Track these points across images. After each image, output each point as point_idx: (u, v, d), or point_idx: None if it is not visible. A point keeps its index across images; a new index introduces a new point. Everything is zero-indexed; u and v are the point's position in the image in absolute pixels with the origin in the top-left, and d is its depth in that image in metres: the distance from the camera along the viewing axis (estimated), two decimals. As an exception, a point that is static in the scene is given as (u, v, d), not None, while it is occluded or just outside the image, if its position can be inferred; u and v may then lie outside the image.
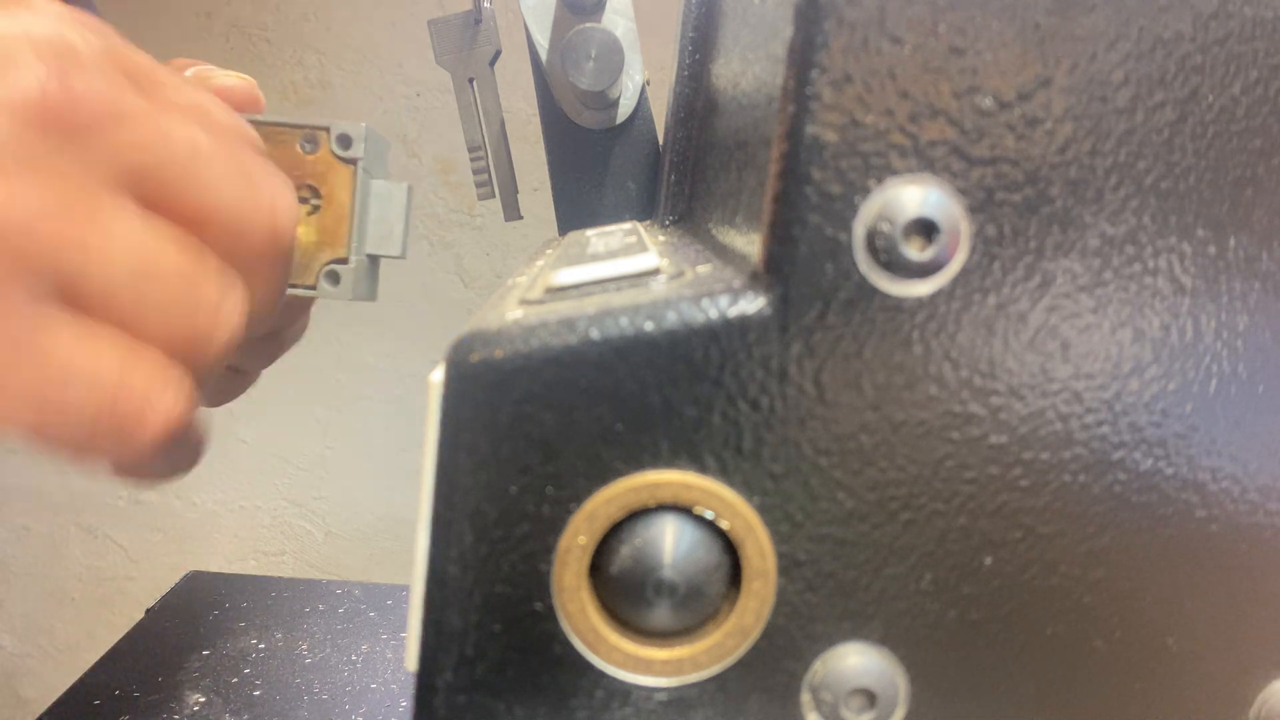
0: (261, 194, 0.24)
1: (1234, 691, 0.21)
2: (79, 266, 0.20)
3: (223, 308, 0.23)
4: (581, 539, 0.18)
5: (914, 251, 0.17)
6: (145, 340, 0.21)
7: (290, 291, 0.29)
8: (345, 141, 0.29)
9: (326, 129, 0.29)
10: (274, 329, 0.33)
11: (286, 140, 0.29)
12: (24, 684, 1.25)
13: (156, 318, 0.21)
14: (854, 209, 0.17)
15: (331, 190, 0.29)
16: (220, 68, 0.30)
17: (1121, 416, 0.19)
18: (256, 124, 0.29)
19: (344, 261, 0.29)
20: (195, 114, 0.23)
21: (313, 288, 0.29)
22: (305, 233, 0.29)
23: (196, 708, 0.53)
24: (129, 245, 0.21)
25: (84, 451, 0.21)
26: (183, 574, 0.71)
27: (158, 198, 0.22)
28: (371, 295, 0.31)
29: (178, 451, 0.23)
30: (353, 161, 0.29)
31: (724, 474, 0.18)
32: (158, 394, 0.21)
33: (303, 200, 0.29)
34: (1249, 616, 0.20)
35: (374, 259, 0.30)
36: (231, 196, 0.23)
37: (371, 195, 0.30)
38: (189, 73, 0.29)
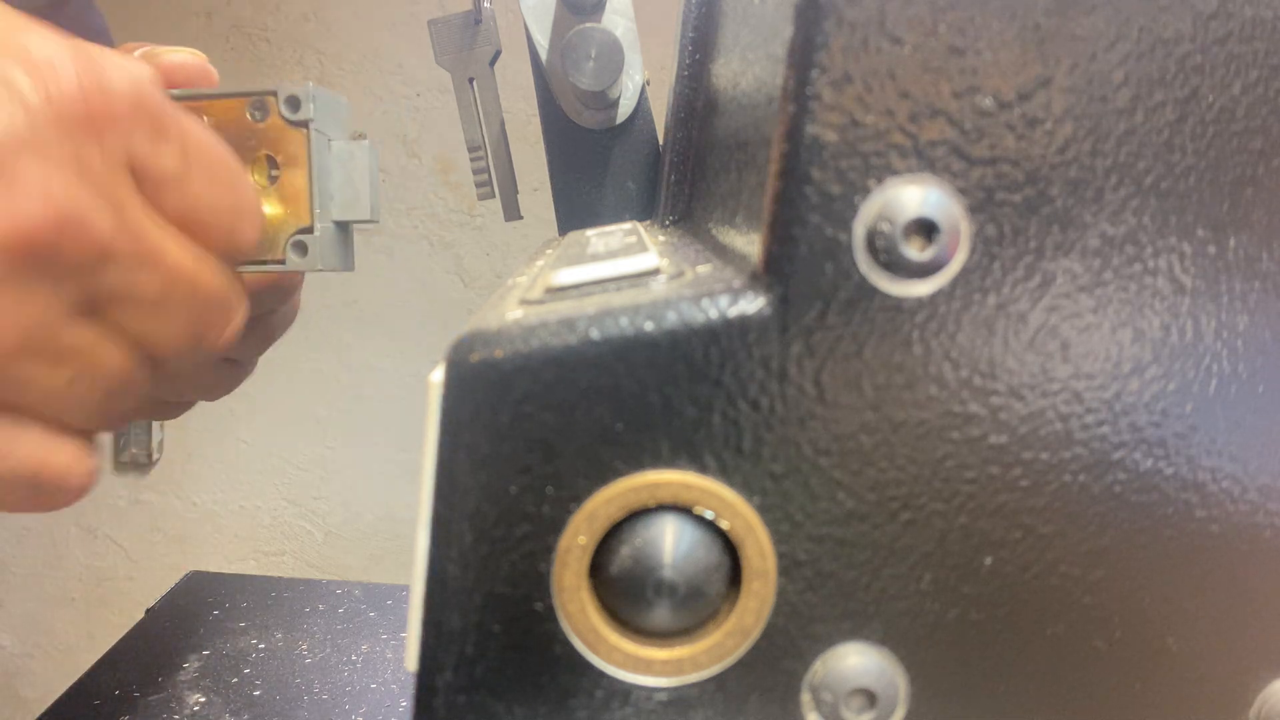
0: (241, 196, 0.25)
1: (1234, 691, 0.21)
2: (106, 278, 0.22)
3: (224, 335, 0.26)
4: (581, 539, 0.18)
5: (914, 251, 0.17)
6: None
7: (259, 268, 0.28)
8: (294, 104, 0.27)
9: (274, 93, 0.27)
10: (261, 314, 0.33)
11: (237, 110, 0.28)
12: (24, 684, 1.25)
13: (166, 343, 0.24)
14: (854, 209, 0.17)
15: (289, 157, 0.28)
16: (168, 46, 0.30)
17: (1121, 416, 0.19)
18: (204, 97, 0.27)
19: (309, 230, 0.28)
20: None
21: (281, 262, 0.28)
22: (269, 204, 0.28)
23: (196, 708, 0.53)
24: (154, 269, 0.23)
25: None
26: (183, 574, 0.71)
27: (152, 201, 0.23)
28: (345, 264, 0.29)
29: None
30: (304, 124, 0.27)
31: (724, 474, 0.18)
32: (75, 472, 0.24)
33: (264, 173, 0.28)
34: (1249, 616, 0.20)
35: (343, 225, 0.29)
36: (215, 208, 0.24)
37: (332, 158, 0.28)
38: (137, 53, 0.29)
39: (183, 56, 0.29)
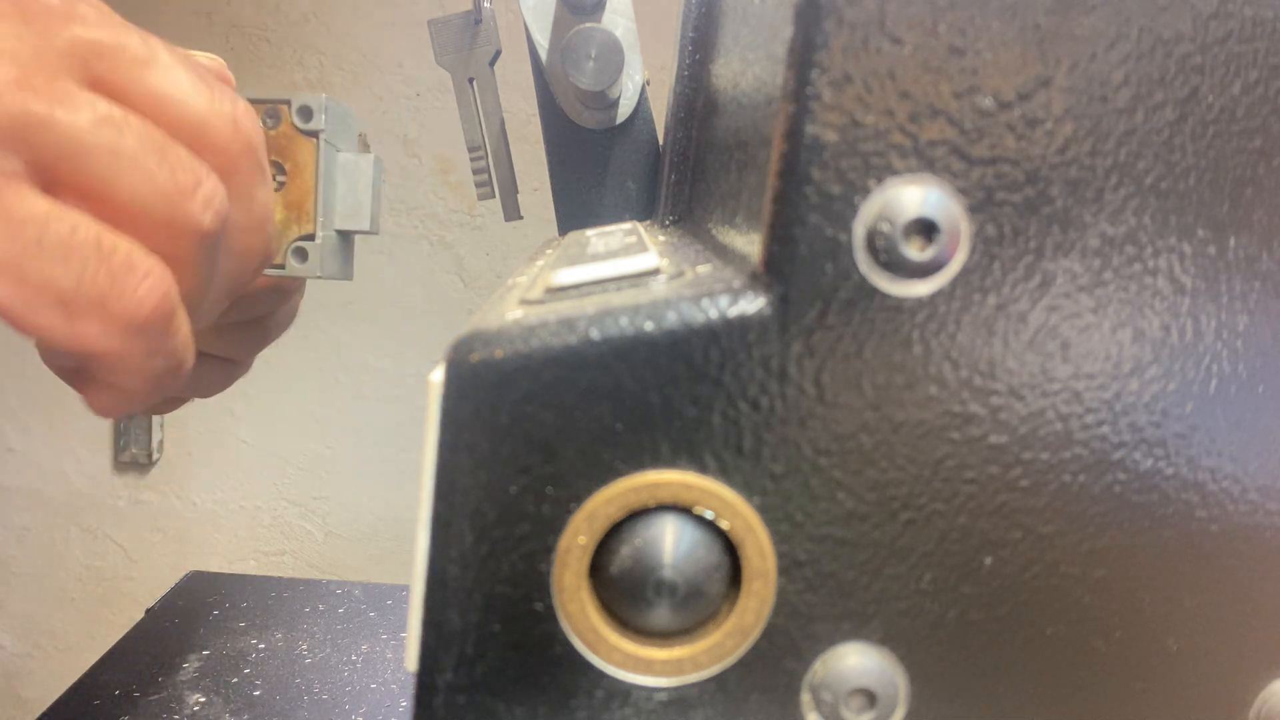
0: (221, 97, 0.23)
1: (1234, 691, 0.21)
2: (46, 140, 0.19)
3: (199, 194, 0.22)
4: (581, 539, 0.18)
5: (914, 251, 0.17)
6: (124, 224, 0.21)
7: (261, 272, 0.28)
8: (306, 114, 0.28)
9: (287, 102, 0.28)
10: (259, 315, 0.33)
11: None
12: (24, 684, 1.25)
13: (132, 196, 0.21)
14: (854, 209, 0.17)
15: (296, 165, 0.28)
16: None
17: (1121, 416, 0.19)
18: None
19: (311, 237, 0.28)
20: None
21: (281, 266, 0.29)
22: (276, 210, 0.28)
23: (196, 708, 0.53)
24: (95, 120, 0.20)
25: (67, 329, 0.20)
26: (183, 574, 0.71)
27: (115, 87, 0.21)
28: (344, 273, 0.30)
29: (165, 354, 0.22)
30: (315, 134, 0.28)
31: (724, 474, 0.18)
32: (140, 263, 0.21)
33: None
34: (1249, 616, 0.20)
35: (345, 235, 0.30)
36: (189, 92, 0.22)
37: (337, 168, 0.29)
38: None
39: (203, 60, 0.29)
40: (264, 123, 0.28)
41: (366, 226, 0.30)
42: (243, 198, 0.24)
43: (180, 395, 0.33)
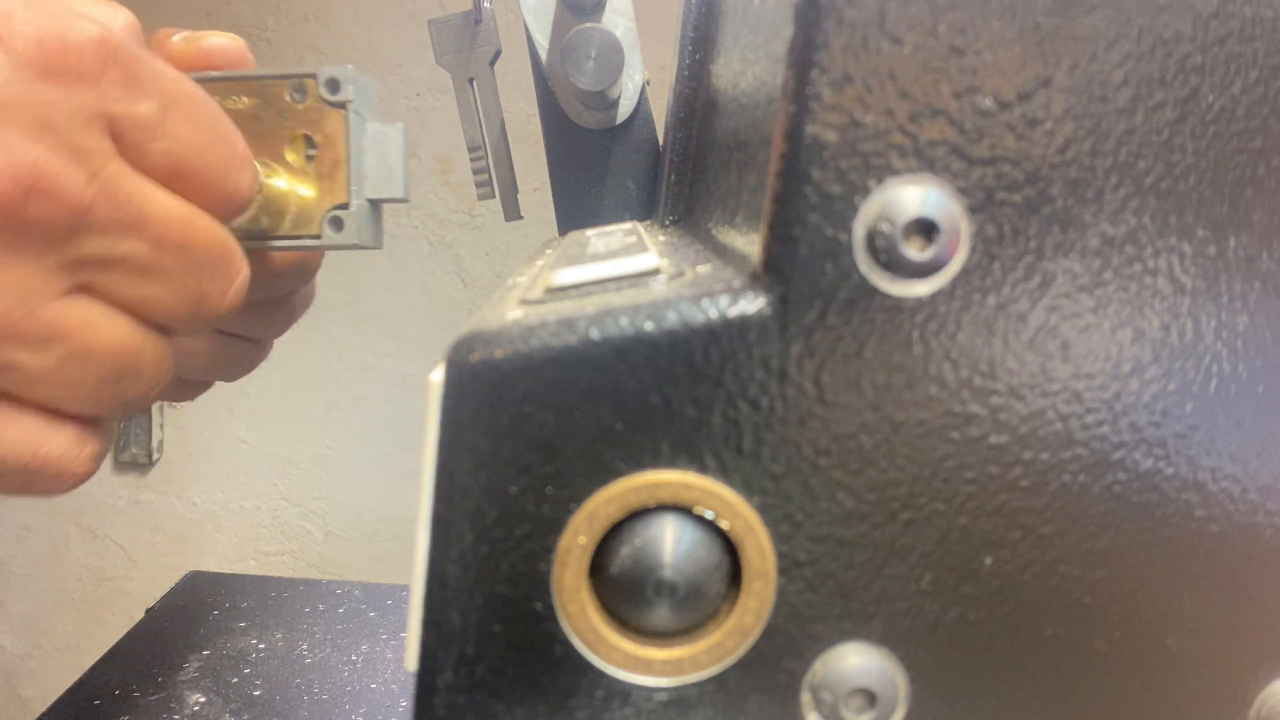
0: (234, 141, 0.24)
1: (1234, 691, 0.21)
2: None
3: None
4: (581, 539, 0.18)
5: (914, 251, 0.17)
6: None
7: (297, 244, 0.29)
8: (334, 86, 0.28)
9: (314, 75, 0.29)
10: (284, 294, 0.33)
11: (276, 92, 0.29)
12: (24, 684, 1.25)
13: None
14: (854, 209, 0.17)
15: (326, 137, 0.29)
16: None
17: (1121, 416, 0.19)
18: (244, 79, 0.29)
19: (345, 207, 0.29)
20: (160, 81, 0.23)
21: (317, 236, 0.29)
22: (305, 182, 0.29)
23: (196, 708, 0.53)
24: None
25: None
26: (183, 574, 0.71)
27: (135, 154, 0.22)
28: (377, 241, 0.31)
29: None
30: (343, 105, 0.29)
31: (724, 474, 0.18)
32: (72, 459, 0.23)
33: (301, 152, 0.29)
34: (1249, 616, 0.20)
35: (375, 204, 0.30)
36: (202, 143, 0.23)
37: (366, 137, 0.29)
38: (177, 37, 0.29)
39: (223, 40, 0.30)
40: (291, 98, 0.29)
41: (400, 194, 0.30)
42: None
43: (206, 379, 0.33)
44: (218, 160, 0.24)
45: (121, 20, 0.22)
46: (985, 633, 0.20)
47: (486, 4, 0.43)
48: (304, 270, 0.32)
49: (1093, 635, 0.20)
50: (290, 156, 0.29)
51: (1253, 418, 0.20)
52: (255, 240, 0.29)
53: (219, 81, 0.29)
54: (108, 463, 1.18)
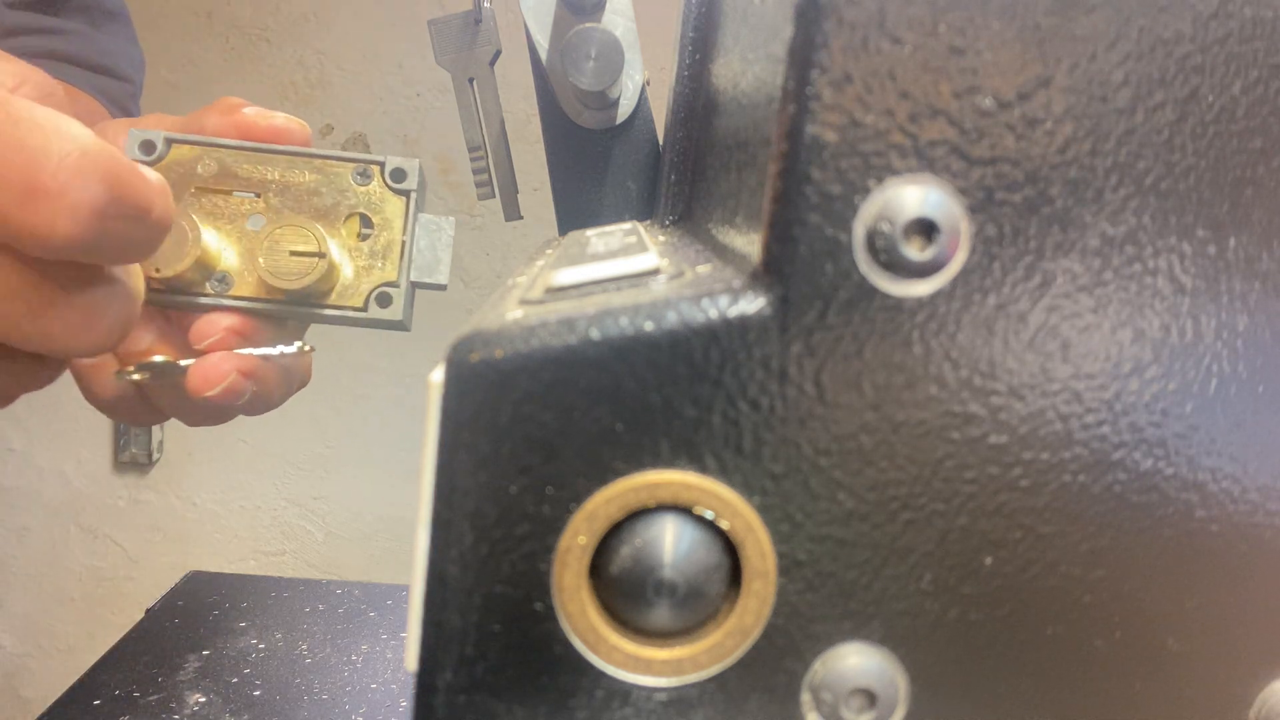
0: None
1: (1234, 691, 0.21)
2: None
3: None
4: (581, 539, 0.18)
5: (914, 251, 0.17)
6: None
7: (341, 314, 0.32)
8: (400, 175, 0.31)
9: (381, 163, 0.31)
10: (280, 398, 0.34)
11: (340, 172, 0.31)
12: (24, 684, 1.25)
13: None
14: (854, 209, 0.17)
15: (385, 219, 0.31)
16: (269, 109, 0.32)
17: (1121, 416, 0.19)
18: (313, 157, 0.31)
19: (395, 285, 0.32)
20: None
21: (363, 309, 0.32)
22: (356, 258, 0.31)
23: (196, 708, 0.53)
24: None
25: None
26: (183, 574, 0.71)
27: None
28: (408, 323, 0.33)
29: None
30: (406, 193, 0.31)
31: (724, 474, 0.18)
32: None
33: (354, 230, 0.32)
34: (1249, 616, 0.20)
35: (415, 288, 0.33)
36: None
37: (420, 225, 0.32)
38: (250, 109, 0.31)
39: (292, 123, 0.31)
40: (353, 180, 0.31)
41: (443, 281, 0.33)
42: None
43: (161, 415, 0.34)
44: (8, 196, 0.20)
45: None
46: (985, 633, 0.20)
47: (486, 4, 0.43)
48: (291, 377, 0.34)
49: (1093, 635, 0.20)
50: (344, 233, 0.31)
51: (1253, 418, 0.20)
52: (306, 306, 0.31)
53: (289, 155, 0.31)
54: (108, 463, 1.18)
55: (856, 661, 0.19)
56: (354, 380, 1.11)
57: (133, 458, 1.15)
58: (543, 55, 0.40)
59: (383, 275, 0.32)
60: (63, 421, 1.16)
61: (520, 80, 0.49)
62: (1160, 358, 0.19)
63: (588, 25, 0.38)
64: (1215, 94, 0.18)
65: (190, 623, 0.63)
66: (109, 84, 0.52)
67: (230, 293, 0.31)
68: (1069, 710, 0.20)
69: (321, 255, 0.30)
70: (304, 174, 0.31)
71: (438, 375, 0.18)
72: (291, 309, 0.31)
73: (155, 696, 0.54)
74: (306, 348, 0.33)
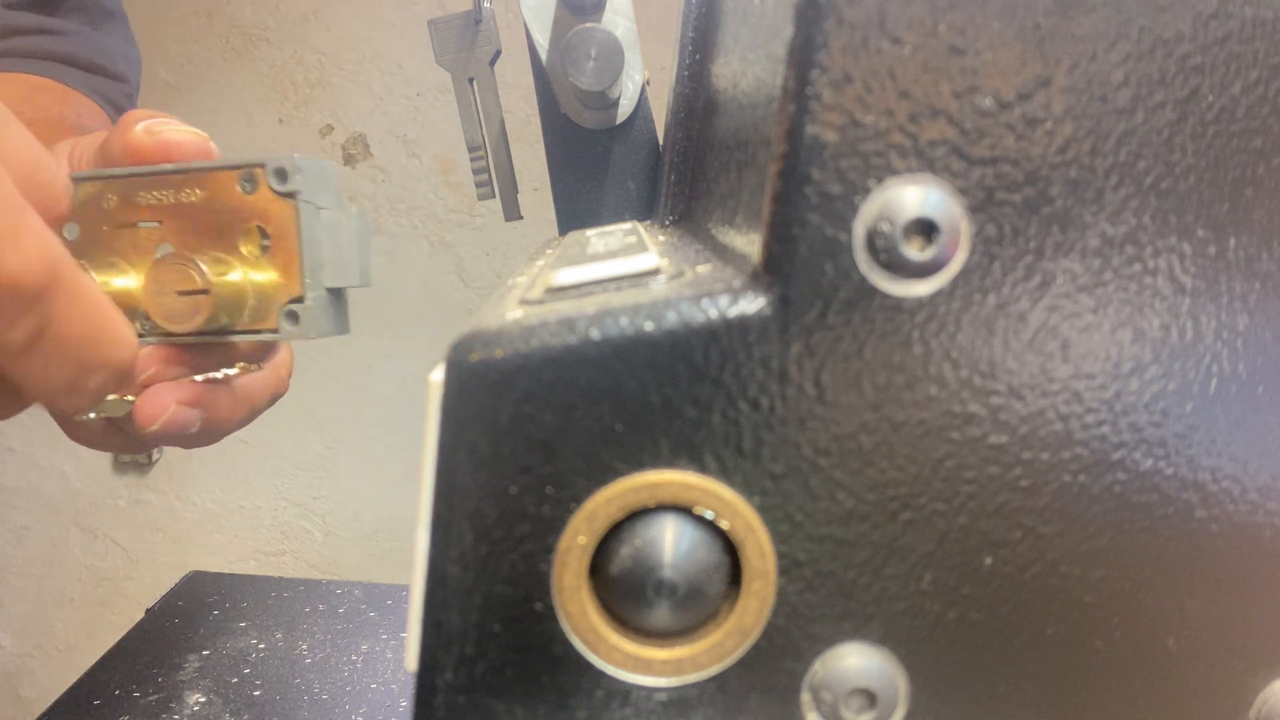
0: None
1: (1234, 691, 0.21)
2: None
3: None
4: (581, 539, 0.18)
5: (914, 251, 0.17)
6: None
7: (254, 338, 0.29)
8: (281, 176, 0.27)
9: (261, 165, 0.28)
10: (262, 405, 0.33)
11: (226, 183, 0.28)
12: (24, 684, 1.25)
13: None
14: (854, 209, 0.17)
15: (279, 228, 0.28)
16: (180, 122, 0.29)
17: (1121, 416, 0.19)
18: (190, 170, 0.28)
19: (300, 300, 0.28)
20: None
21: (275, 331, 0.28)
22: (262, 273, 0.28)
23: (196, 708, 0.53)
24: None
25: None
26: (183, 574, 0.71)
27: None
28: (340, 329, 0.30)
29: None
30: (292, 195, 0.28)
31: (724, 474, 0.18)
32: None
33: (255, 244, 0.28)
34: (1249, 616, 0.20)
35: (336, 292, 0.29)
36: None
37: (320, 226, 0.28)
38: (140, 126, 0.29)
39: (183, 135, 0.29)
40: (241, 188, 0.28)
41: (358, 281, 0.30)
42: None
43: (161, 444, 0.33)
44: (60, 386, 0.23)
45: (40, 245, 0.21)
46: (985, 633, 0.20)
47: (486, 4, 0.43)
48: (251, 405, 0.33)
49: (1093, 635, 0.20)
50: (246, 249, 0.28)
51: (1253, 418, 0.20)
52: (215, 335, 0.28)
53: (169, 175, 0.28)
54: (108, 463, 1.18)
55: (856, 661, 0.19)
56: (354, 380, 1.12)
57: (133, 458, 1.15)
58: (543, 55, 0.40)
59: (290, 290, 0.28)
60: (63, 421, 1.16)
61: (520, 80, 0.50)
62: (1160, 358, 0.19)
63: (588, 25, 0.38)
64: (1215, 94, 0.18)
65: (190, 623, 0.63)
66: (105, 84, 0.52)
67: (156, 330, 0.29)
68: (1069, 710, 0.20)
69: (205, 292, 0.27)
70: (194, 192, 0.28)
71: (438, 375, 0.18)
72: (208, 339, 0.29)
73: (155, 696, 0.54)
74: (254, 367, 0.31)
